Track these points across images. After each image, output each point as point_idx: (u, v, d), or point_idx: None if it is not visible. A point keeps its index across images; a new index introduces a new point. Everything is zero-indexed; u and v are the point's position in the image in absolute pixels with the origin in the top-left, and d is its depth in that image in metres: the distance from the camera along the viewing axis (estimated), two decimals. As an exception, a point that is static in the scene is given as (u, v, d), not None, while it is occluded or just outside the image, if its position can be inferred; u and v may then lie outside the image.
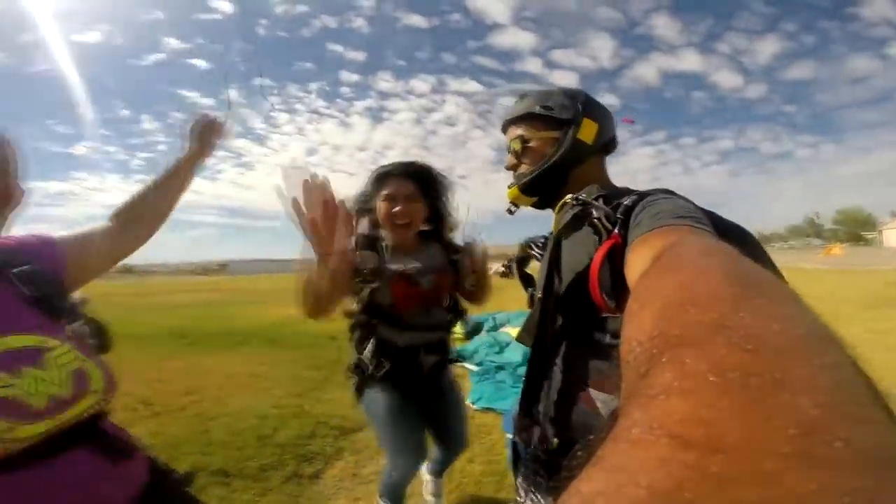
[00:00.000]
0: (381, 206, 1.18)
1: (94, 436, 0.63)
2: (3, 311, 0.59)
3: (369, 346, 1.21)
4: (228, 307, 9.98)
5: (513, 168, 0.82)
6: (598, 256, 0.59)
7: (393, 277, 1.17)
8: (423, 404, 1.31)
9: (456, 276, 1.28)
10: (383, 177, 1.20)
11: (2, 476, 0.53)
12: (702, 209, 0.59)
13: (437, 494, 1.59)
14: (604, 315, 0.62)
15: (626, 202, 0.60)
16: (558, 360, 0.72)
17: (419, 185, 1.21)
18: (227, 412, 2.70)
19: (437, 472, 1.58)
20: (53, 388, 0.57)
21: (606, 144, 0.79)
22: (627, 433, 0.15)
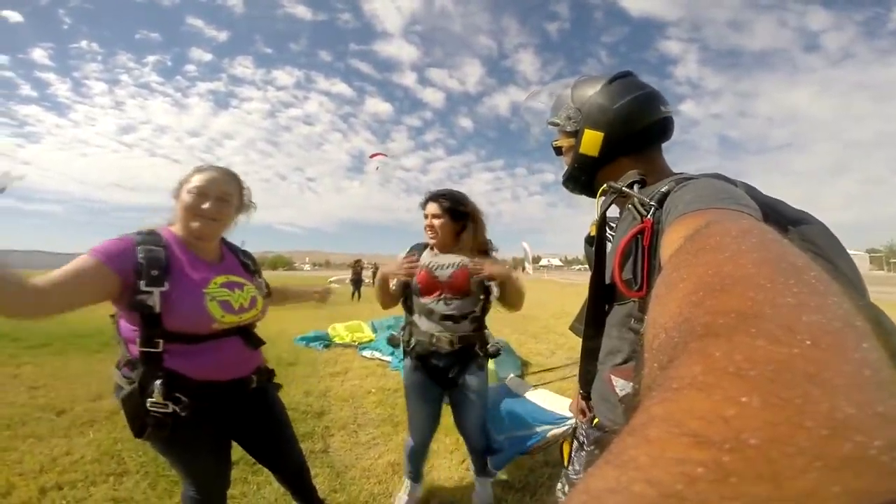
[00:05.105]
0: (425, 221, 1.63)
1: (246, 333, 1.20)
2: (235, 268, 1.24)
3: (407, 328, 1.61)
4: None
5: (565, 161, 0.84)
6: (623, 241, 0.59)
7: (420, 269, 1.55)
8: (444, 386, 1.59)
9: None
10: (426, 201, 1.62)
11: (210, 342, 1.08)
12: (761, 196, 0.57)
13: (482, 495, 1.78)
14: (632, 299, 0.63)
15: (663, 188, 0.58)
16: (603, 344, 0.73)
17: (446, 206, 1.58)
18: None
19: (479, 471, 1.79)
20: (243, 301, 1.17)
21: (655, 133, 0.74)
22: (644, 429, 0.14)
